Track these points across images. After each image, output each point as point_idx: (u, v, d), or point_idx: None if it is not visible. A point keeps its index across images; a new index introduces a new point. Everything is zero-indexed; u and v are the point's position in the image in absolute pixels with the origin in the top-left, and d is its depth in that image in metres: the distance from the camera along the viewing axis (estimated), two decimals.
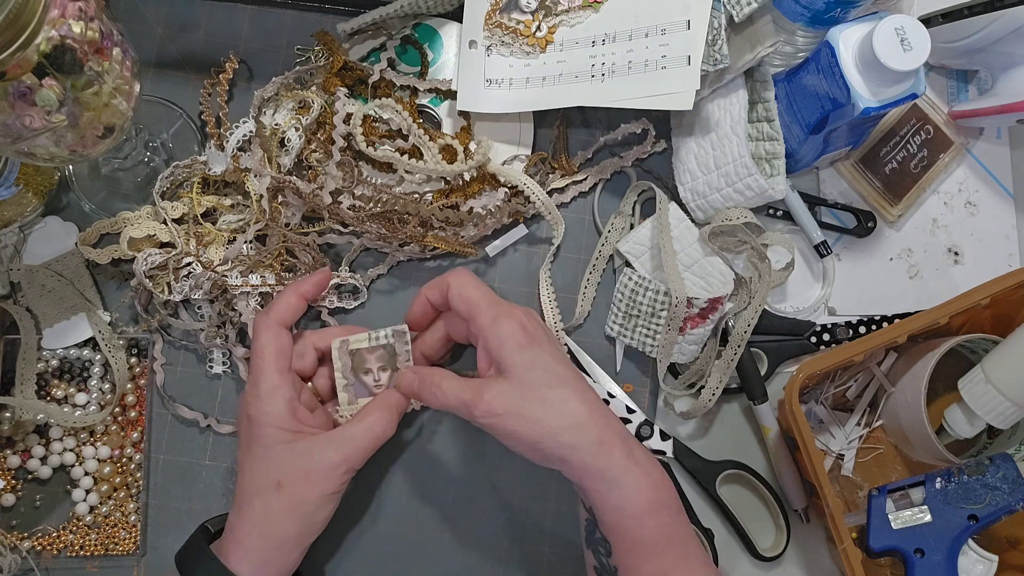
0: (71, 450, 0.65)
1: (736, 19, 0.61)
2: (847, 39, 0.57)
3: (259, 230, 0.64)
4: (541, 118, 0.69)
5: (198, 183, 0.66)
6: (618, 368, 0.68)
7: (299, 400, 0.57)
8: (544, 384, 0.52)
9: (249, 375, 0.57)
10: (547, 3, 0.66)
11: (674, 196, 0.68)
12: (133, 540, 0.64)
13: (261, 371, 0.55)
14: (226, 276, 0.63)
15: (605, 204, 0.70)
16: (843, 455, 0.68)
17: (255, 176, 0.64)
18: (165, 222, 0.65)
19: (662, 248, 0.64)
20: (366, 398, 0.60)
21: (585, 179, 0.69)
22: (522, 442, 0.51)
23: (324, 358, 0.61)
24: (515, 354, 0.52)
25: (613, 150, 0.70)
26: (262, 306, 0.65)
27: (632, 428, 0.66)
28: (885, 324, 0.69)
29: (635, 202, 0.69)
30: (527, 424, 0.51)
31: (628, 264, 0.67)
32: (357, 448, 0.55)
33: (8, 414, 0.64)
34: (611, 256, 0.69)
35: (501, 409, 0.51)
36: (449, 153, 0.66)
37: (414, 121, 0.66)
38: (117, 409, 0.65)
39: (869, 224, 0.70)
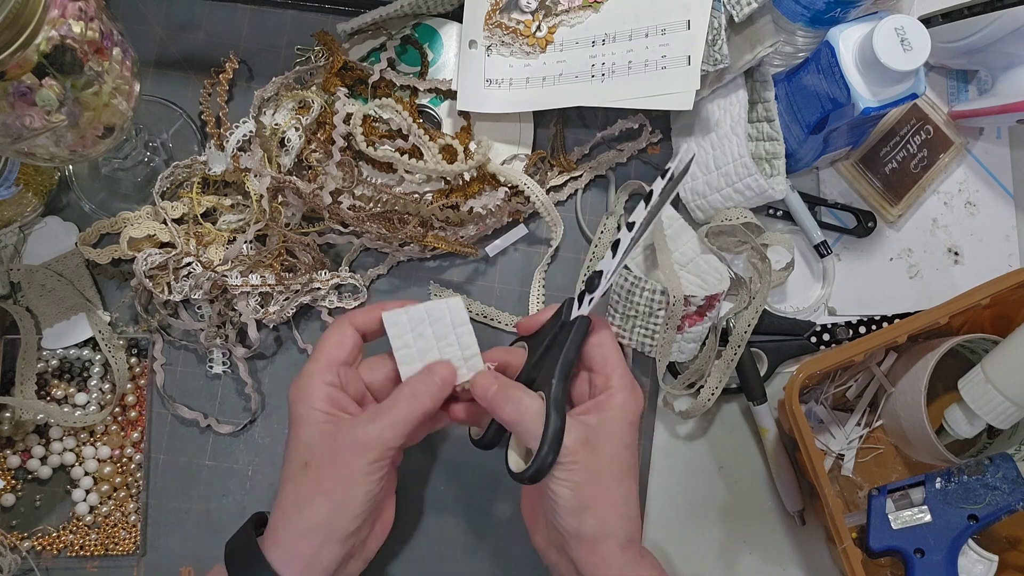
0: (71, 450, 0.65)
1: (736, 19, 0.61)
2: (847, 39, 0.57)
3: (259, 230, 0.64)
4: (541, 118, 0.69)
5: (198, 183, 0.66)
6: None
7: (345, 391, 0.53)
8: (626, 468, 0.52)
9: None
10: (547, 3, 0.66)
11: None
12: (133, 540, 0.64)
13: (311, 358, 0.54)
14: (226, 276, 0.63)
15: (591, 204, 0.70)
16: (843, 455, 0.68)
17: (255, 176, 0.64)
18: (165, 222, 0.65)
19: (656, 247, 0.64)
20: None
21: (582, 175, 0.69)
22: (567, 501, 0.50)
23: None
24: (623, 430, 0.52)
25: (611, 145, 0.70)
26: (262, 306, 0.65)
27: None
28: (885, 324, 0.70)
29: (625, 201, 0.69)
30: (591, 494, 0.50)
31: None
32: (387, 424, 0.50)
33: (8, 414, 0.64)
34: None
35: (579, 459, 0.50)
36: (449, 153, 0.66)
37: (414, 121, 0.66)
38: (117, 409, 0.65)
39: (869, 224, 0.70)
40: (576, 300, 0.53)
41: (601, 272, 0.53)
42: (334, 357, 0.53)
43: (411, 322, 0.54)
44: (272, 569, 0.49)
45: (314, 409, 0.52)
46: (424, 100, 0.69)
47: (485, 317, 0.68)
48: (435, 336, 0.54)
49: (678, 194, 0.68)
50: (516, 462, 0.52)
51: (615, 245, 0.52)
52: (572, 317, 0.53)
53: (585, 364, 0.54)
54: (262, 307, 0.65)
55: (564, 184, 0.69)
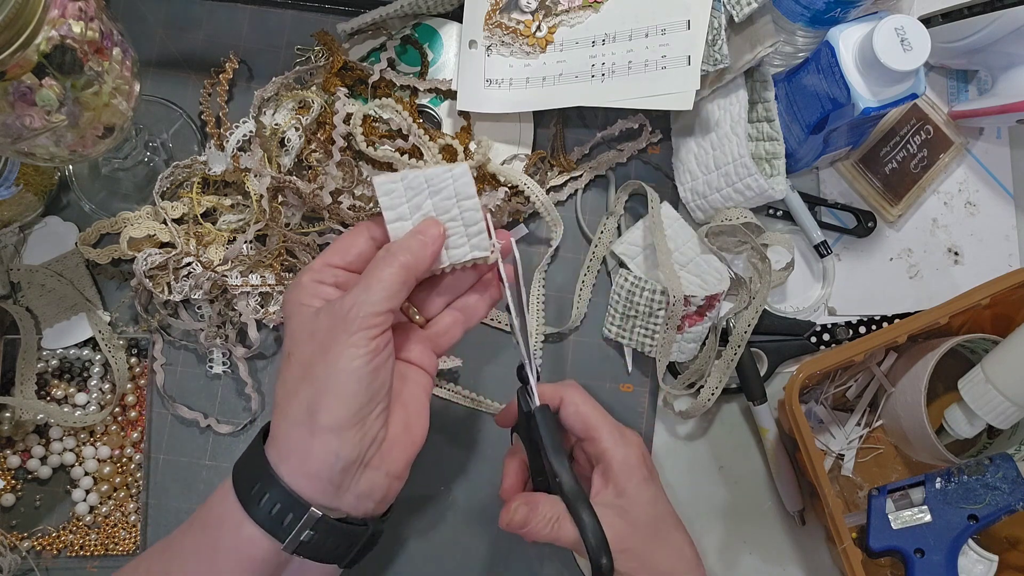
0: (71, 450, 0.65)
1: (736, 19, 0.61)
2: (847, 39, 0.57)
3: (259, 230, 0.64)
4: (541, 118, 0.69)
5: (198, 183, 0.66)
6: (629, 370, 0.68)
7: (340, 290, 0.48)
8: (665, 520, 0.51)
9: None
10: (547, 3, 0.66)
11: (675, 191, 0.68)
12: (133, 540, 0.64)
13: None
14: (226, 276, 0.63)
15: (591, 204, 0.70)
16: (843, 455, 0.68)
17: (255, 176, 0.64)
18: (165, 222, 0.65)
19: (656, 247, 0.65)
20: None
21: (582, 175, 0.69)
22: None
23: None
24: (641, 488, 0.51)
25: (611, 144, 0.70)
26: (262, 306, 0.65)
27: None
28: (885, 324, 0.70)
29: (625, 201, 0.69)
30: (649, 567, 0.49)
31: (623, 265, 0.67)
32: (362, 288, 0.45)
33: (8, 414, 0.64)
34: (605, 257, 0.69)
35: (626, 546, 0.49)
36: (449, 153, 0.66)
37: (414, 121, 0.66)
38: (117, 409, 0.65)
39: (869, 224, 0.70)
40: (525, 391, 0.51)
41: (522, 364, 0.51)
42: (332, 259, 0.49)
43: (408, 192, 0.47)
44: (270, 466, 0.45)
45: (300, 304, 0.47)
46: (424, 100, 0.69)
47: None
48: (435, 210, 0.47)
49: (678, 194, 0.68)
50: (585, 566, 0.51)
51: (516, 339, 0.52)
52: (531, 409, 0.51)
53: (571, 432, 0.53)
54: (262, 307, 0.65)
55: (564, 184, 0.69)
